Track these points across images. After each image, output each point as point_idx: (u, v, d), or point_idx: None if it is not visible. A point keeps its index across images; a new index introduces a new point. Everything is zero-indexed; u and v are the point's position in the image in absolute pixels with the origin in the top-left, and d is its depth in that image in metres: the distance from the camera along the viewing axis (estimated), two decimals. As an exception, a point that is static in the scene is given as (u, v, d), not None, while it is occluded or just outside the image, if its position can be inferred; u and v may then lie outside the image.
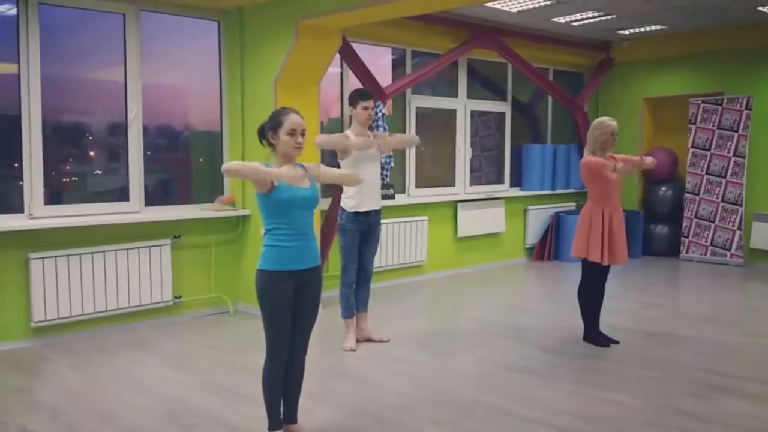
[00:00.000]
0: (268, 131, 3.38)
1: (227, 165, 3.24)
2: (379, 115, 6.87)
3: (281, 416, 3.53)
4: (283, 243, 3.31)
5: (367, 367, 4.89)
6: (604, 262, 5.14)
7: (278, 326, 3.35)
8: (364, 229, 5.22)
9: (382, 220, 5.52)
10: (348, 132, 5.19)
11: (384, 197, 6.70)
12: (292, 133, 3.32)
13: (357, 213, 5.15)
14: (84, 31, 5.92)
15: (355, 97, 5.16)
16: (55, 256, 5.36)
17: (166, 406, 4.11)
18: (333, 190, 6.62)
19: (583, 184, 5.32)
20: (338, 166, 5.17)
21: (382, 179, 7.05)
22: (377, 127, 6.78)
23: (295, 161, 3.42)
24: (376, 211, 5.25)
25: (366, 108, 5.12)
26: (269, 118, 3.40)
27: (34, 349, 5.26)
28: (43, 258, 5.30)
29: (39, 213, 5.45)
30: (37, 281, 5.28)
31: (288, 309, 3.36)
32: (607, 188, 5.14)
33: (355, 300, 5.37)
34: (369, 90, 5.51)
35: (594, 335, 5.36)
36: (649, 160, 5.31)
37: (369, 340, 5.42)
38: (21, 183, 5.42)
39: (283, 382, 3.48)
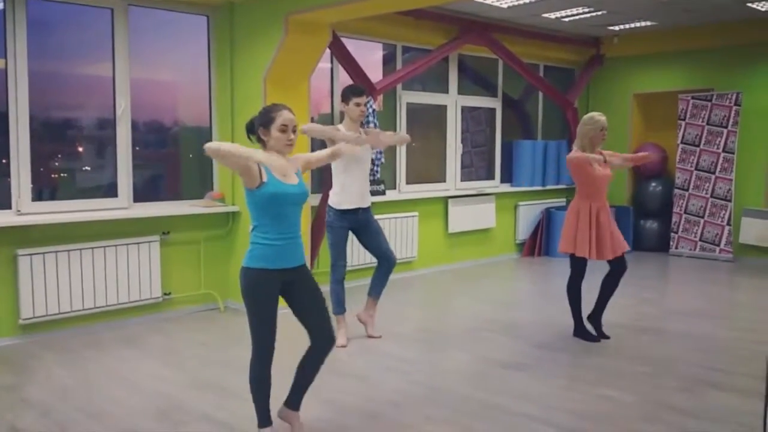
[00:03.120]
0: (258, 127, 3.34)
1: (209, 144, 3.05)
2: (370, 110, 6.85)
3: (270, 411, 3.50)
4: (269, 241, 3.28)
5: (360, 363, 4.88)
6: (591, 257, 5.14)
7: (263, 324, 3.32)
8: (353, 226, 5.20)
9: (373, 214, 5.47)
10: (340, 127, 5.17)
11: (374, 193, 6.68)
12: (284, 129, 3.29)
13: (343, 211, 5.14)
14: (72, 25, 5.87)
15: (348, 94, 5.13)
16: (43, 253, 5.31)
17: (156, 403, 4.08)
18: (324, 186, 6.60)
19: (572, 179, 5.33)
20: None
21: (373, 175, 7.04)
22: (368, 123, 6.76)
23: (285, 157, 3.39)
24: (363, 209, 5.21)
25: (358, 104, 5.09)
26: (260, 114, 3.36)
27: (23, 346, 5.22)
28: (31, 254, 5.25)
29: (27, 209, 5.40)
30: (25, 278, 5.24)
31: (274, 307, 3.33)
32: (595, 184, 5.14)
33: (371, 285, 5.36)
34: (361, 86, 5.49)
35: (584, 330, 5.36)
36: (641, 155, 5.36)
37: (365, 325, 5.42)
38: (8, 179, 5.36)
39: (299, 368, 3.48)
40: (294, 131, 3.32)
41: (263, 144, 3.36)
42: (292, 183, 3.33)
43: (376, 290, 5.39)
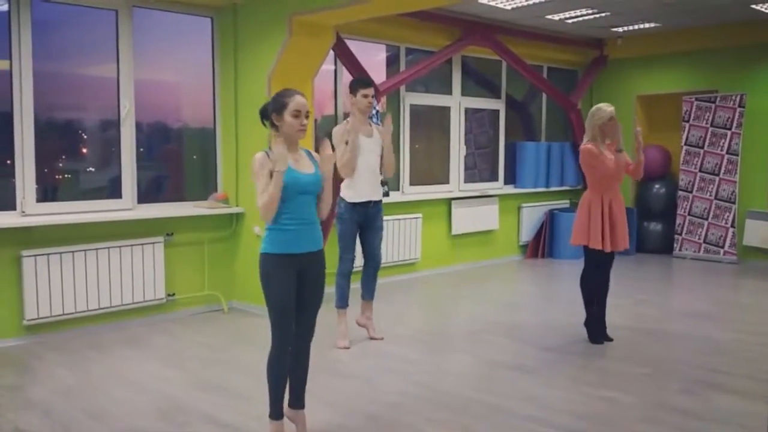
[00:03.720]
0: (271, 113, 3.35)
1: (262, 215, 3.24)
2: (374, 111, 6.85)
3: (284, 403, 3.52)
4: (285, 227, 3.31)
5: (362, 364, 4.89)
6: (606, 249, 5.14)
7: (282, 310, 3.33)
8: (362, 219, 5.21)
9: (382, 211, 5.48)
10: (349, 120, 5.18)
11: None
12: (297, 114, 3.29)
13: (355, 203, 5.15)
14: (76, 27, 5.89)
15: (355, 85, 5.16)
16: (48, 254, 5.33)
17: (159, 403, 4.09)
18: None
19: (583, 171, 5.32)
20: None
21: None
22: (369, 117, 6.76)
23: (298, 144, 3.40)
24: (375, 201, 5.23)
25: (366, 95, 5.11)
26: (272, 100, 3.36)
27: (27, 347, 5.23)
28: (35, 255, 5.27)
29: (31, 210, 5.42)
30: (30, 279, 5.25)
31: (291, 292, 3.34)
32: (606, 174, 5.14)
33: (362, 289, 5.38)
34: (368, 78, 5.48)
35: (593, 324, 5.34)
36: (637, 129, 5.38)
37: (365, 328, 5.43)
38: (13, 180, 5.38)
39: (289, 369, 3.48)
40: (307, 116, 3.33)
41: (276, 129, 3.36)
42: (306, 170, 3.35)
43: (368, 292, 5.41)
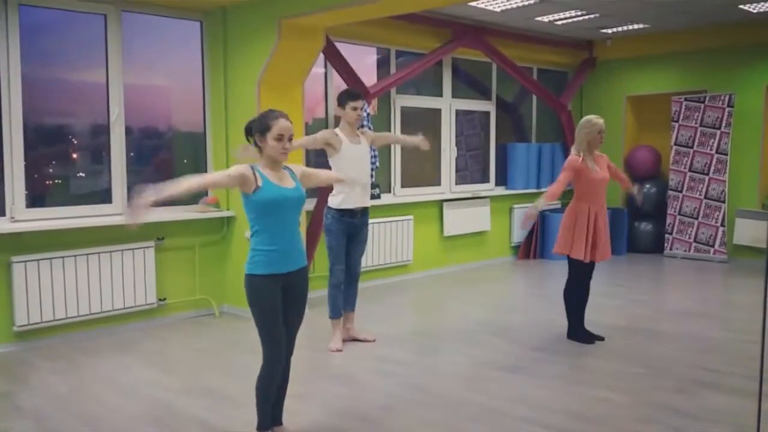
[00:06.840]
0: (255, 133, 3.34)
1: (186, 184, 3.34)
2: (365, 114, 6.85)
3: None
4: (270, 246, 3.29)
5: (355, 367, 4.88)
6: (586, 260, 5.16)
7: (272, 328, 3.32)
8: (350, 230, 5.20)
9: (369, 220, 5.49)
10: (337, 131, 5.18)
11: (370, 197, 6.68)
12: (280, 138, 3.28)
13: (343, 211, 5.13)
14: (65, 31, 5.87)
15: (344, 98, 5.15)
16: (38, 260, 5.30)
17: (152, 409, 4.07)
18: (320, 190, 6.60)
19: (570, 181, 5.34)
20: (327, 165, 5.16)
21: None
22: (361, 126, 6.76)
23: (280, 164, 3.39)
24: (363, 209, 5.23)
25: (355, 108, 5.11)
26: (258, 120, 3.35)
27: (17, 353, 5.20)
28: (25, 261, 5.24)
29: (21, 216, 5.39)
30: (20, 285, 5.22)
31: (279, 310, 3.34)
32: (593, 186, 5.16)
33: (343, 300, 5.35)
34: (358, 90, 5.49)
35: (578, 333, 5.37)
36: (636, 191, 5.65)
37: (355, 339, 5.41)
38: (2, 186, 5.35)
39: None
40: (290, 140, 3.32)
41: (260, 150, 3.36)
42: (289, 187, 3.33)
43: (350, 303, 5.40)
